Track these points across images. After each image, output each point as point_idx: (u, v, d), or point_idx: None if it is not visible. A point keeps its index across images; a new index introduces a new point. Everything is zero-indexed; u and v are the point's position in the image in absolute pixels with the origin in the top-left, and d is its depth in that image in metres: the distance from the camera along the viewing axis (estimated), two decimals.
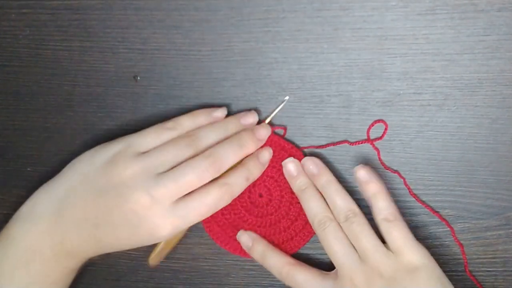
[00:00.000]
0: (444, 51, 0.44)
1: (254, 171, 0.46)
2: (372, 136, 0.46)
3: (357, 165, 0.45)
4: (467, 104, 0.45)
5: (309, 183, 0.46)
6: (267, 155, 0.47)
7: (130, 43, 0.47)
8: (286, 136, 0.47)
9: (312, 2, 0.44)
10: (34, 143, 0.50)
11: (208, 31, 0.46)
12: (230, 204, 0.46)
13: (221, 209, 0.45)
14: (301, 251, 0.49)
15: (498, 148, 0.46)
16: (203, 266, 0.50)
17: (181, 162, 0.43)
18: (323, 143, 0.47)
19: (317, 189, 0.46)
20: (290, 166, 0.46)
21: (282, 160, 0.47)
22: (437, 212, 0.47)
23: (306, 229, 0.47)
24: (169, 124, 0.45)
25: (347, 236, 0.44)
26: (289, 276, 0.45)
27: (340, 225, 0.45)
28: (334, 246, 0.44)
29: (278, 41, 0.45)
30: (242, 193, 0.47)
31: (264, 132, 0.46)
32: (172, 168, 0.43)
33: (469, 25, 0.43)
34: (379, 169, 0.47)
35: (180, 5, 0.45)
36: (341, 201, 0.45)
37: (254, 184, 0.47)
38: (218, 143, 0.44)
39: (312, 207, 0.45)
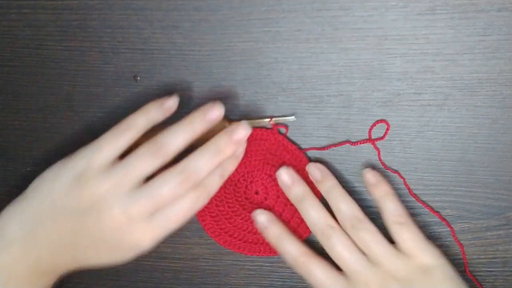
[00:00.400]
0: (444, 51, 0.44)
1: (228, 166, 0.45)
2: (373, 136, 0.46)
3: (358, 165, 0.45)
4: (467, 104, 0.45)
5: (306, 192, 0.46)
6: (241, 148, 0.45)
7: (130, 43, 0.47)
8: (288, 135, 0.47)
9: (312, 2, 0.44)
10: (34, 143, 0.50)
11: (208, 31, 0.46)
12: (225, 197, 0.47)
13: (215, 201, 0.47)
14: None
15: (498, 148, 0.46)
16: (203, 266, 0.50)
17: (153, 173, 0.42)
18: (323, 143, 0.47)
19: (314, 196, 0.46)
20: (284, 177, 0.46)
21: (283, 160, 0.47)
22: (437, 212, 0.47)
23: (299, 230, 0.47)
24: (123, 125, 0.43)
25: (353, 242, 0.44)
26: (304, 267, 0.44)
27: (343, 231, 0.44)
28: (343, 254, 0.44)
29: (278, 41, 0.45)
30: (238, 188, 0.47)
31: (242, 133, 0.43)
32: (144, 180, 0.42)
33: (469, 25, 0.43)
34: (379, 169, 0.47)
35: (180, 5, 0.45)
36: (346, 206, 0.44)
37: (251, 181, 0.47)
38: (186, 145, 0.43)
39: (313, 216, 0.45)
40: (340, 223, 0.44)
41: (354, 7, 0.44)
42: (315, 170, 0.46)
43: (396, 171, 0.47)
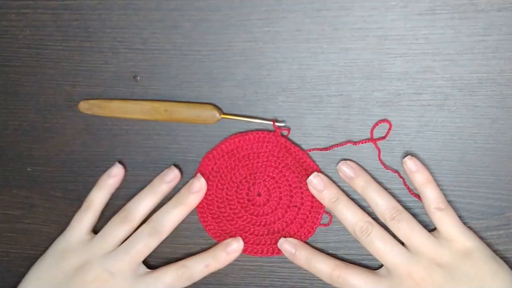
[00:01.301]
0: (444, 51, 0.44)
1: (217, 260, 0.47)
2: (373, 136, 0.46)
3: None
4: (467, 104, 0.45)
5: (338, 193, 0.46)
6: (236, 246, 0.47)
7: (130, 43, 0.47)
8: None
9: (312, 2, 0.44)
10: (34, 143, 0.50)
11: (208, 31, 0.46)
12: (227, 198, 0.47)
13: (217, 203, 0.47)
14: None
15: (498, 148, 0.46)
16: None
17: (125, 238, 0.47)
18: (323, 143, 0.47)
19: (346, 197, 0.46)
20: (315, 181, 0.46)
21: (286, 162, 0.47)
22: None
23: (299, 234, 0.48)
24: (84, 206, 0.49)
25: (392, 235, 0.45)
26: (341, 279, 0.45)
27: (380, 226, 0.45)
28: (384, 248, 0.44)
29: (278, 41, 0.45)
30: (240, 189, 0.47)
31: (197, 185, 0.47)
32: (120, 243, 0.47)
33: (469, 25, 0.43)
34: (379, 169, 0.47)
35: (180, 5, 0.45)
36: (383, 200, 0.45)
37: (254, 182, 0.47)
38: (150, 209, 0.47)
39: (349, 217, 0.46)
40: (379, 216, 0.45)
41: (354, 7, 0.44)
42: (348, 168, 0.46)
43: (396, 171, 0.47)
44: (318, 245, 0.49)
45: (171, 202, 0.47)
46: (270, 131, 0.47)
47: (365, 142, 0.46)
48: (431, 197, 0.45)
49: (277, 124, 0.47)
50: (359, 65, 0.45)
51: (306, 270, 0.48)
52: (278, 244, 0.47)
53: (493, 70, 0.44)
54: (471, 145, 0.46)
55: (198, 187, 0.47)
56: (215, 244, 0.49)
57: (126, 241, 0.46)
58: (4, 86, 0.49)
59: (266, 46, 0.45)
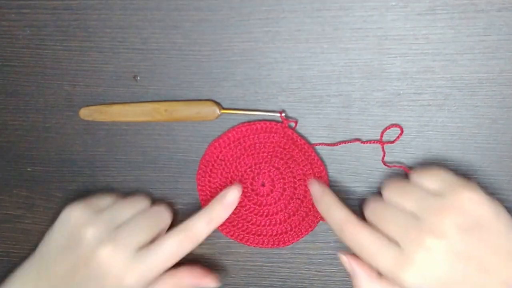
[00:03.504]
0: (444, 51, 0.44)
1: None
2: (375, 136, 0.46)
3: (358, 164, 0.45)
4: (467, 104, 0.45)
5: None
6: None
7: (130, 43, 0.47)
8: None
9: (312, 2, 0.44)
10: (34, 143, 0.50)
11: (208, 31, 0.46)
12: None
13: (221, 191, 0.47)
14: (302, 251, 0.49)
15: (498, 148, 0.46)
16: (203, 266, 0.50)
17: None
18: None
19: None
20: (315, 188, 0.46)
21: (292, 154, 0.47)
22: None
23: (302, 225, 0.48)
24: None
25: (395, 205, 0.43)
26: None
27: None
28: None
29: (278, 41, 0.45)
30: (244, 179, 0.48)
31: (232, 197, 0.46)
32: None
33: (469, 25, 0.43)
34: (380, 169, 0.47)
35: (180, 5, 0.45)
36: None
37: (258, 172, 0.47)
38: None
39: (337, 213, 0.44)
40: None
41: (354, 7, 0.44)
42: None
43: (401, 165, 0.47)
44: (318, 245, 0.49)
45: (206, 211, 0.46)
46: (278, 122, 0.47)
47: (374, 143, 0.46)
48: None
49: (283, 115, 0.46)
50: (359, 65, 0.45)
51: (306, 270, 0.48)
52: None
53: (493, 70, 0.44)
54: (471, 145, 0.46)
55: (232, 199, 0.46)
56: (215, 244, 0.49)
57: (131, 219, 0.46)
58: (4, 86, 0.49)
59: (266, 46, 0.45)
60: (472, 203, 0.41)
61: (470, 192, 0.41)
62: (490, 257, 0.40)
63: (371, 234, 0.42)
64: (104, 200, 0.48)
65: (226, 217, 0.46)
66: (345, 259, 0.44)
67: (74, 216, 0.45)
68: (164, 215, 0.47)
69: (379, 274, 0.43)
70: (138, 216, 0.46)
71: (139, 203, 0.48)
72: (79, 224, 0.45)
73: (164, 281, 0.46)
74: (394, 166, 0.47)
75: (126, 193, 0.49)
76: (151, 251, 0.45)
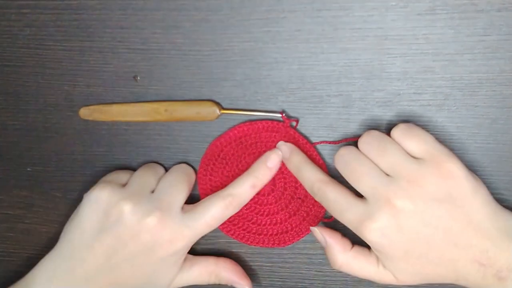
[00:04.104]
0: (444, 51, 0.44)
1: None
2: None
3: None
4: (467, 104, 0.45)
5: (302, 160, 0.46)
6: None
7: (130, 43, 0.47)
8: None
9: (312, 2, 0.44)
10: (34, 143, 0.50)
11: (208, 31, 0.46)
12: None
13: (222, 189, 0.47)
14: (302, 251, 0.49)
15: (498, 148, 0.46)
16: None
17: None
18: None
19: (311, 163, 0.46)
20: (283, 148, 0.47)
21: None
22: None
23: (302, 225, 0.48)
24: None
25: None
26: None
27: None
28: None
29: (278, 41, 0.45)
30: None
31: (276, 159, 0.46)
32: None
33: (469, 25, 0.43)
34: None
35: (180, 5, 0.45)
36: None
37: None
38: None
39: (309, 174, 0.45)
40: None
41: (354, 7, 0.44)
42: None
43: None
44: (318, 245, 0.49)
45: (246, 175, 0.46)
46: (279, 121, 0.47)
47: None
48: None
49: (285, 115, 0.47)
50: (359, 65, 0.45)
51: (306, 270, 0.48)
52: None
53: (493, 70, 0.44)
54: (471, 145, 0.46)
55: (276, 162, 0.46)
56: (215, 244, 0.49)
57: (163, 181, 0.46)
58: (4, 86, 0.49)
59: (266, 46, 0.45)
60: (451, 176, 0.40)
61: (450, 164, 0.40)
62: (461, 232, 0.40)
63: (339, 189, 0.42)
64: (122, 175, 0.47)
65: (269, 180, 0.46)
66: (317, 231, 0.45)
67: (102, 196, 0.44)
68: (189, 170, 0.48)
69: (352, 245, 0.44)
70: (167, 178, 0.46)
71: (156, 168, 0.47)
72: (112, 202, 0.44)
73: (207, 266, 0.47)
74: None
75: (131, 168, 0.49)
76: (197, 214, 0.45)
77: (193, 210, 0.45)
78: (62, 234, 0.45)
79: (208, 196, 0.46)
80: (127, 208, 0.43)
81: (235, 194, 0.45)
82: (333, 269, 0.49)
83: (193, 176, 0.48)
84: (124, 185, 0.46)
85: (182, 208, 0.45)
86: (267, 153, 0.46)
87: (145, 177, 0.46)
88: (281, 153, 0.46)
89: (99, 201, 0.44)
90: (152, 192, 0.45)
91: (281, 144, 0.47)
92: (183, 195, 0.46)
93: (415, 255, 0.40)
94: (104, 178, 0.47)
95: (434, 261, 0.40)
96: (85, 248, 0.43)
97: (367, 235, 0.40)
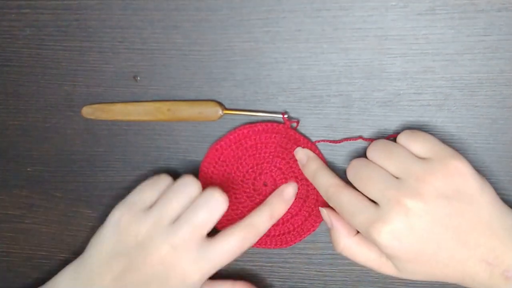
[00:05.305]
0: (444, 51, 0.44)
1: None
2: (374, 136, 0.47)
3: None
4: (467, 104, 0.45)
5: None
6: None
7: (130, 43, 0.47)
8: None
9: (312, 2, 0.44)
10: (34, 143, 0.50)
11: (208, 31, 0.46)
12: (232, 187, 0.47)
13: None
14: (302, 251, 0.49)
15: (498, 148, 0.46)
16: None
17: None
18: (323, 143, 0.47)
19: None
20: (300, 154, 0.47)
21: (294, 154, 0.47)
22: None
23: (304, 225, 0.48)
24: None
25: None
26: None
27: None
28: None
29: (278, 41, 0.45)
30: (246, 179, 0.48)
31: (291, 192, 0.47)
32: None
33: (469, 25, 0.43)
34: None
35: (180, 5, 0.45)
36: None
37: (260, 172, 0.47)
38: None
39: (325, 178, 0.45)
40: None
41: (354, 7, 0.44)
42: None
43: None
44: (318, 245, 0.49)
45: (266, 206, 0.46)
46: (279, 123, 0.47)
47: (376, 140, 0.46)
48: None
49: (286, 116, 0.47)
50: (359, 65, 0.45)
51: (306, 270, 0.48)
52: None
53: (493, 70, 0.44)
54: (471, 145, 0.46)
55: (291, 194, 0.47)
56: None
57: (187, 210, 0.45)
58: (4, 86, 0.49)
59: (266, 46, 0.45)
60: (458, 173, 0.40)
61: (457, 162, 0.41)
62: (469, 230, 0.40)
63: (353, 193, 0.43)
64: (149, 194, 0.45)
65: (285, 211, 0.47)
66: (325, 212, 0.45)
67: (123, 219, 0.44)
68: (219, 201, 0.44)
69: (358, 232, 0.44)
70: (194, 207, 0.44)
71: (189, 188, 0.45)
72: (129, 226, 0.44)
73: None
74: None
75: (173, 173, 0.48)
76: (215, 246, 0.44)
77: (211, 241, 0.44)
78: (88, 246, 0.46)
79: (227, 227, 0.45)
80: (139, 234, 0.44)
81: (252, 225, 0.45)
82: (333, 269, 0.49)
83: (223, 208, 0.45)
84: (149, 206, 0.45)
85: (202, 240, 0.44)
86: (283, 186, 0.47)
87: (171, 203, 0.44)
88: (297, 158, 0.47)
89: (117, 222, 0.45)
90: (178, 216, 0.44)
91: (298, 150, 0.47)
92: (207, 228, 0.44)
93: (425, 257, 0.40)
94: (130, 198, 0.46)
95: (444, 262, 0.40)
96: (104, 264, 0.44)
97: (377, 237, 0.40)
